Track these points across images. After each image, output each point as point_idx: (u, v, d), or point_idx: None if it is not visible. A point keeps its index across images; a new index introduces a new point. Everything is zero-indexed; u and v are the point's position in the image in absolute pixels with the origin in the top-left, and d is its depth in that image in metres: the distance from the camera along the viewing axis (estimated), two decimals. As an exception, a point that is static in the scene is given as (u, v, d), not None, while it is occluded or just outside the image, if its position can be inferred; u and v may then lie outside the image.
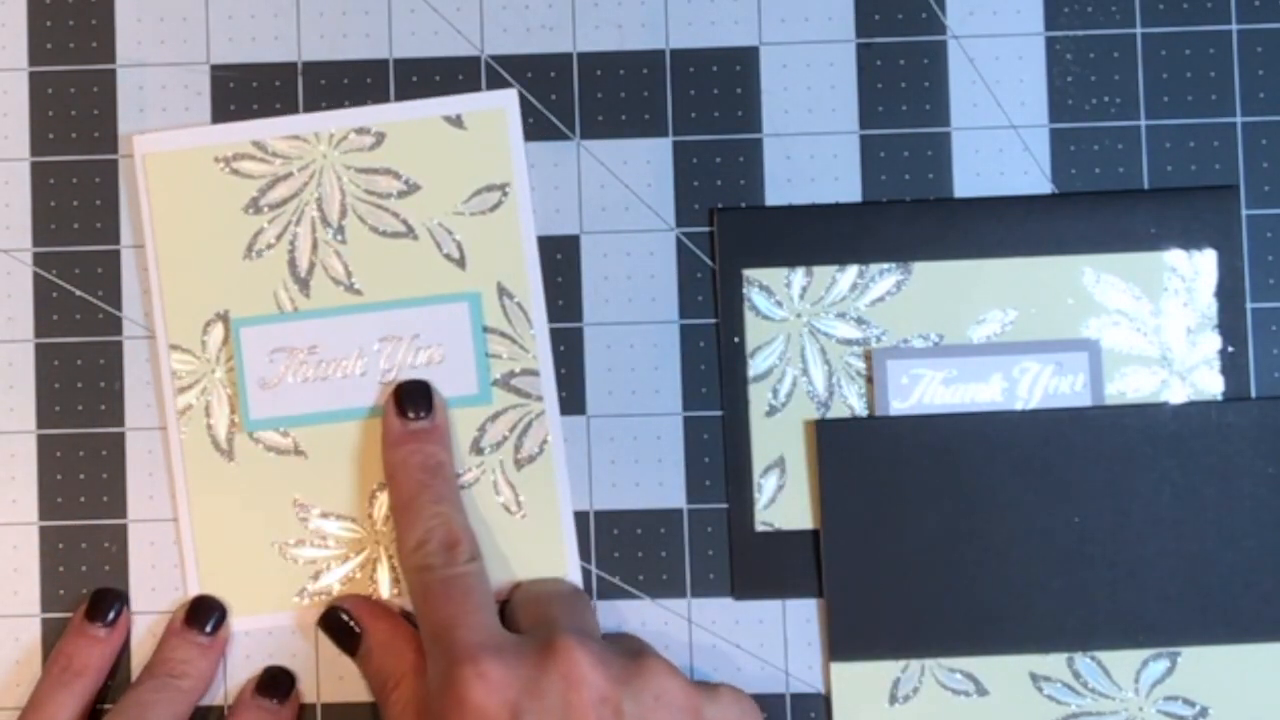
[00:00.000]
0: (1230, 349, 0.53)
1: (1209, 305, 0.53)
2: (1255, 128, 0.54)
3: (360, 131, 0.53)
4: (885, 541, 0.52)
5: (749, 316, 0.54)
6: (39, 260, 0.54)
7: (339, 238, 0.53)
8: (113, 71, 0.54)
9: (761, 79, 0.54)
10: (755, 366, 0.53)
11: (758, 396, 0.53)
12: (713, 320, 0.54)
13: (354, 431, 0.53)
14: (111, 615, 0.52)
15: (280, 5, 0.55)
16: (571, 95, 0.54)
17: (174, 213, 0.53)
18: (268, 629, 0.53)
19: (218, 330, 0.53)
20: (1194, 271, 0.53)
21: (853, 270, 0.53)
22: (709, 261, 0.54)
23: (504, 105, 0.53)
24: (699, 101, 0.54)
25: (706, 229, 0.54)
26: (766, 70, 0.54)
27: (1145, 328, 0.53)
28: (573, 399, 0.54)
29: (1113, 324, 0.53)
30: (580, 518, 0.54)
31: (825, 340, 0.53)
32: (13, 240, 0.54)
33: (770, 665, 0.53)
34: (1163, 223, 0.53)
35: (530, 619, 0.50)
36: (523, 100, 0.54)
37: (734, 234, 0.54)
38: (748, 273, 0.54)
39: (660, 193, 0.54)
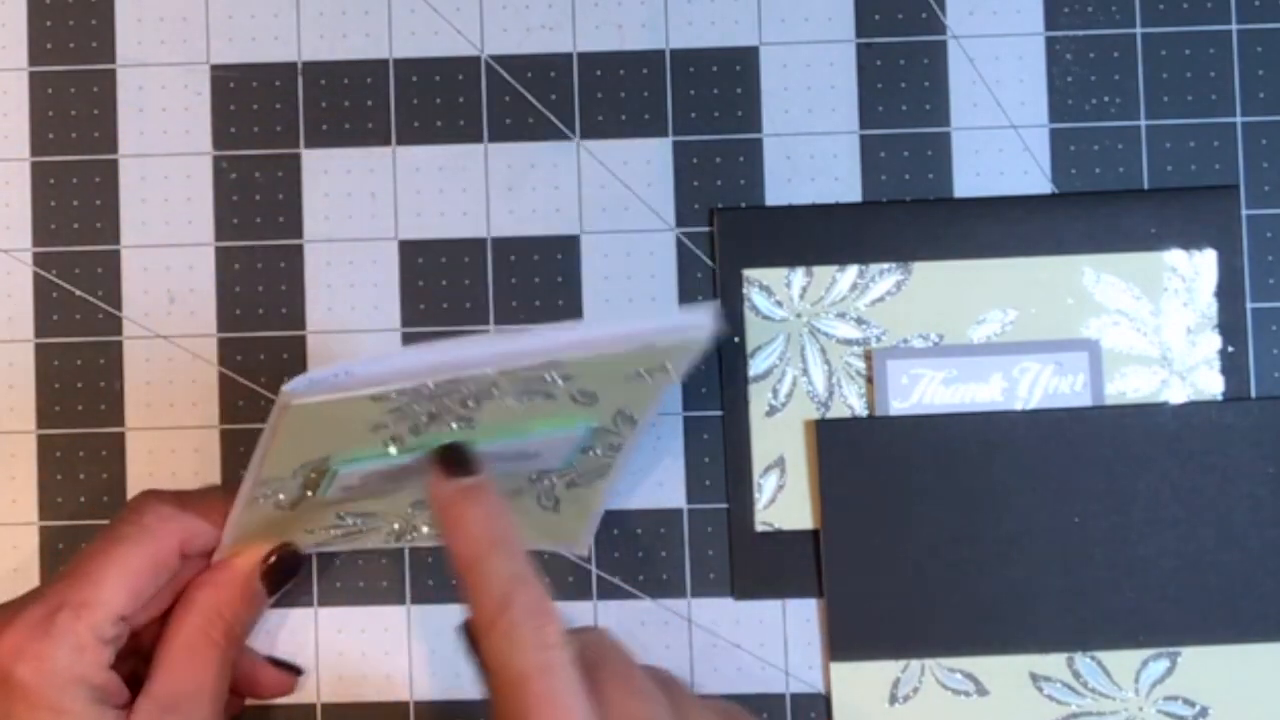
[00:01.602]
0: (1230, 349, 0.53)
1: (1209, 305, 0.53)
2: (1255, 128, 0.54)
3: (538, 371, 0.45)
4: (885, 541, 0.52)
5: (749, 316, 0.54)
6: (39, 260, 0.54)
7: (469, 420, 0.46)
8: (113, 71, 0.54)
9: (761, 79, 0.54)
10: (755, 366, 0.53)
11: (758, 396, 0.53)
12: (713, 320, 0.54)
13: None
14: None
15: (280, 5, 0.55)
16: (571, 95, 0.54)
17: (302, 442, 0.46)
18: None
19: (313, 464, 0.47)
20: (1194, 271, 0.53)
21: (853, 270, 0.53)
22: (709, 261, 0.54)
23: (701, 338, 0.46)
24: (699, 101, 0.54)
25: (706, 229, 0.54)
26: (766, 70, 0.54)
27: (1145, 328, 0.53)
28: (573, 399, 0.54)
29: (1113, 324, 0.53)
30: (580, 518, 0.54)
31: (825, 340, 0.53)
32: (13, 240, 0.54)
33: (770, 665, 0.53)
34: (1163, 223, 0.53)
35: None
36: (523, 100, 0.54)
37: (734, 234, 0.54)
38: (748, 273, 0.54)
39: (660, 193, 0.54)
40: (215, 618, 0.49)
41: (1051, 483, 0.52)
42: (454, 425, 0.46)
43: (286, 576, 0.51)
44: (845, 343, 0.53)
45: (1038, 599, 0.52)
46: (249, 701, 0.53)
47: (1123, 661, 0.52)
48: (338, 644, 0.54)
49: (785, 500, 0.53)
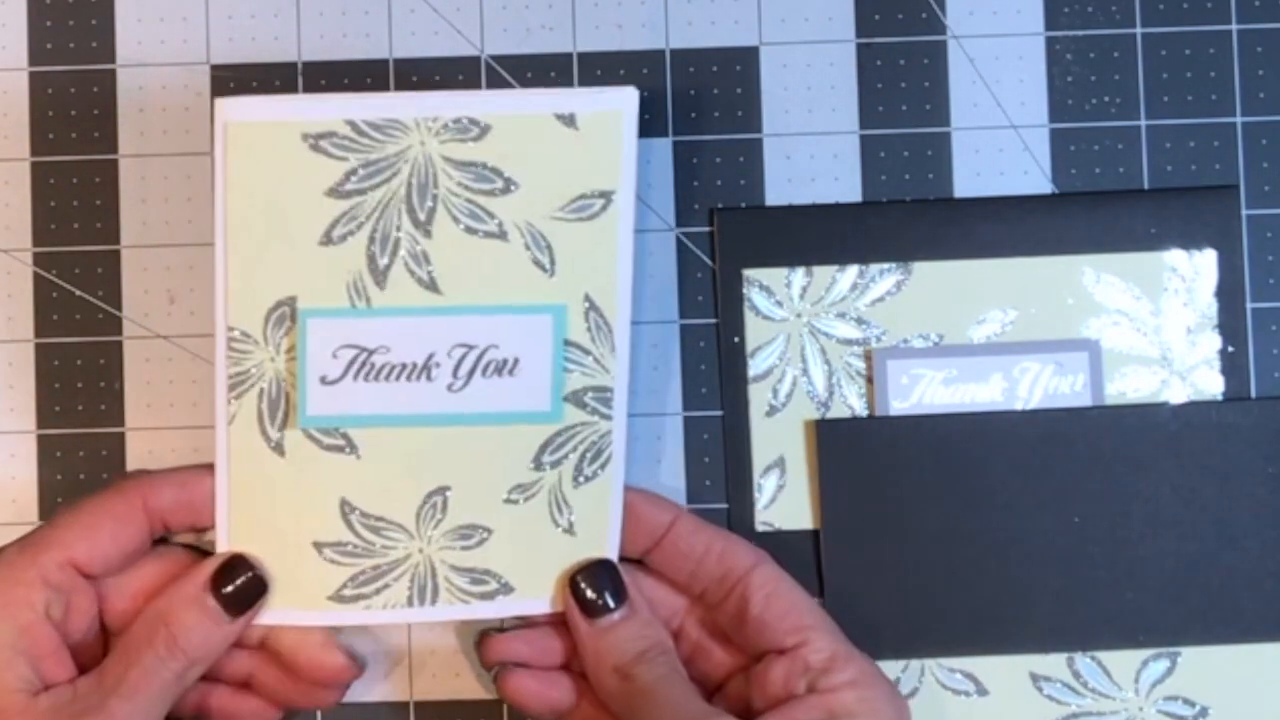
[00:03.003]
0: (1230, 349, 0.53)
1: (1209, 305, 0.53)
2: (1255, 128, 0.54)
3: (464, 121, 0.49)
4: (885, 541, 0.52)
5: (749, 316, 0.54)
6: (39, 260, 0.54)
7: (425, 231, 0.49)
8: (113, 71, 0.54)
9: (761, 79, 0.54)
10: (755, 366, 0.53)
11: (758, 396, 0.53)
12: (713, 320, 0.54)
13: (414, 436, 0.49)
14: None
15: (280, 5, 0.55)
16: (571, 95, 0.54)
17: (251, 188, 0.48)
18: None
19: (283, 317, 0.49)
20: (1194, 271, 0.53)
21: (853, 270, 0.53)
22: (709, 261, 0.54)
23: (622, 107, 0.49)
24: (699, 101, 0.54)
25: (706, 229, 0.54)
26: (766, 70, 0.54)
27: (1145, 328, 0.53)
28: (573, 399, 0.54)
29: (1113, 324, 0.53)
30: (580, 518, 0.54)
31: (825, 340, 0.53)
32: (13, 240, 0.54)
33: (770, 665, 0.53)
34: (1163, 223, 0.53)
35: None
36: (523, 100, 0.54)
37: (734, 234, 0.54)
38: (748, 273, 0.54)
39: (660, 193, 0.54)
40: (158, 624, 0.48)
41: (1051, 483, 0.52)
42: (415, 275, 0.48)
43: (242, 595, 0.49)
44: (845, 343, 0.53)
45: (1038, 599, 0.52)
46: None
47: (1123, 661, 0.52)
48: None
49: (785, 500, 0.53)
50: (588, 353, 0.50)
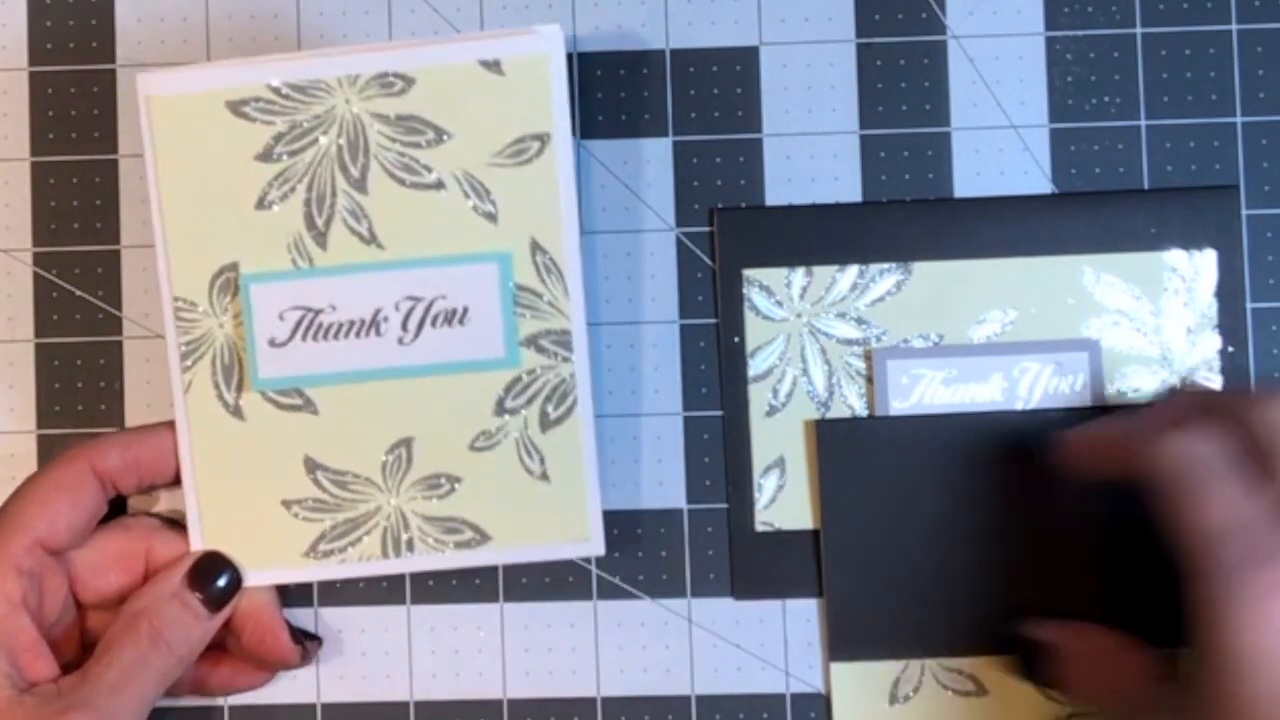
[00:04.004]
0: (1230, 349, 0.53)
1: (1209, 305, 0.53)
2: (1255, 128, 0.54)
3: (387, 76, 0.49)
4: (885, 541, 0.52)
5: (749, 316, 0.54)
6: (39, 260, 0.54)
7: (361, 189, 0.50)
8: (113, 71, 0.54)
9: (761, 79, 0.54)
10: (755, 366, 0.53)
11: (758, 396, 0.53)
12: (713, 320, 0.54)
13: (370, 391, 0.50)
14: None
15: (280, 5, 0.55)
16: (572, 95, 0.54)
17: (180, 158, 0.50)
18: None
19: (226, 284, 0.50)
20: (1194, 271, 0.53)
21: (853, 270, 0.53)
22: (709, 261, 0.54)
23: (548, 50, 0.49)
24: (699, 101, 0.54)
25: (706, 229, 0.54)
26: (766, 70, 0.54)
27: (1145, 328, 0.53)
28: (573, 399, 0.54)
29: (1113, 324, 0.53)
30: (580, 518, 0.54)
31: (825, 340, 0.53)
32: (13, 240, 0.54)
33: (770, 665, 0.53)
34: (1163, 223, 0.53)
35: None
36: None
37: (734, 234, 0.54)
38: (748, 273, 0.54)
39: (660, 193, 0.54)
40: (140, 620, 0.48)
41: (1051, 483, 0.52)
42: (356, 232, 0.49)
43: (220, 589, 0.50)
44: (845, 343, 0.53)
45: (1038, 598, 0.52)
46: (254, 699, 0.53)
47: None
48: (338, 644, 0.54)
49: (785, 500, 0.53)
50: (540, 296, 0.50)
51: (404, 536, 0.51)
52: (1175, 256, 0.53)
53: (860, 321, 0.53)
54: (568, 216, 0.50)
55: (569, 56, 0.54)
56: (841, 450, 0.53)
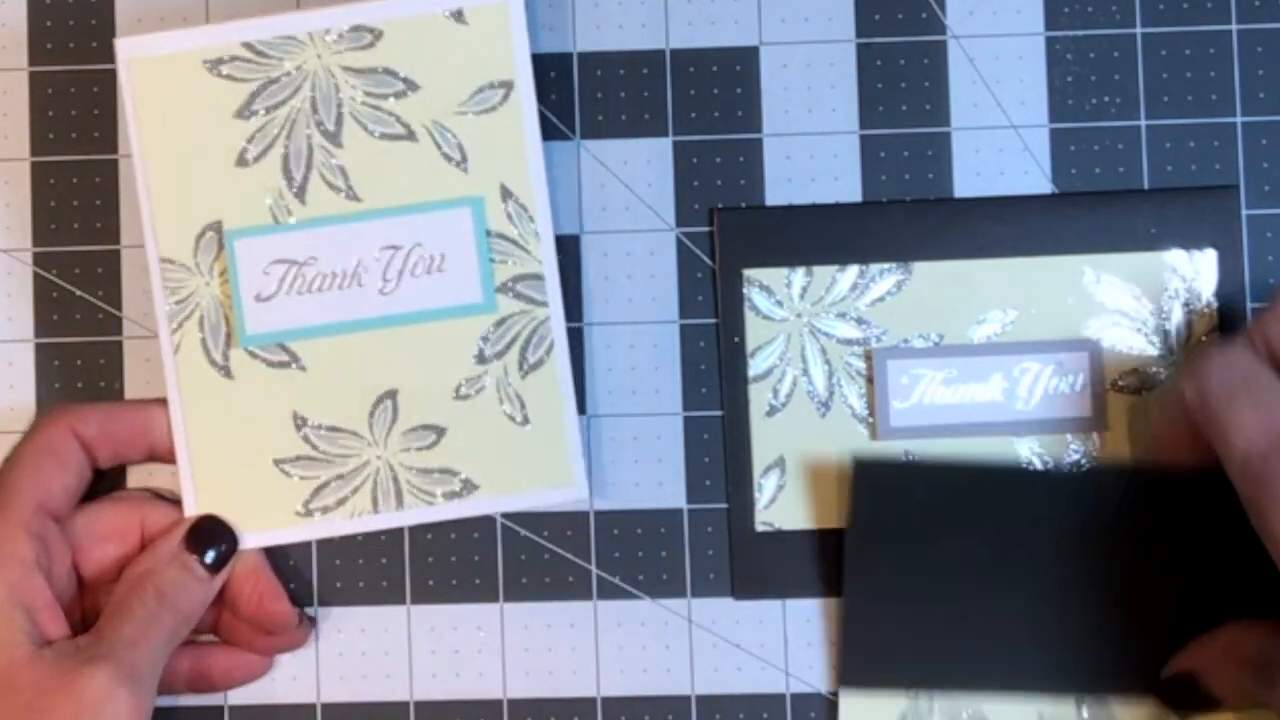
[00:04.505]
0: (1230, 349, 0.53)
1: (1209, 305, 0.53)
2: (1255, 128, 0.54)
3: (356, 29, 0.51)
4: (907, 581, 0.51)
5: (749, 316, 0.54)
6: (39, 260, 0.54)
7: (335, 142, 0.51)
8: (113, 72, 0.54)
9: (761, 79, 0.54)
10: (755, 366, 0.53)
11: (758, 396, 0.53)
12: (713, 320, 0.54)
13: (354, 343, 0.51)
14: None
15: (279, 5, 0.54)
16: (571, 95, 0.54)
17: (161, 120, 0.51)
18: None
19: (211, 242, 0.51)
20: (1194, 271, 0.53)
21: (853, 270, 0.53)
22: (709, 261, 0.54)
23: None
24: (699, 101, 0.54)
25: (706, 229, 0.54)
26: (766, 70, 0.54)
27: (1145, 328, 0.53)
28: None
29: (1113, 324, 0.53)
30: (580, 518, 0.54)
31: (825, 340, 0.53)
32: (13, 240, 0.54)
33: (770, 665, 0.53)
34: (1163, 223, 0.53)
35: None
36: (523, 100, 0.54)
37: (734, 234, 0.54)
38: (748, 273, 0.54)
39: (660, 193, 0.54)
40: (145, 581, 0.49)
41: (1074, 535, 0.51)
42: (333, 185, 0.50)
43: (217, 550, 0.51)
44: (845, 343, 0.53)
45: (1052, 642, 0.51)
46: (254, 699, 0.53)
47: (1132, 711, 0.52)
48: (337, 643, 0.54)
49: (785, 500, 0.53)
50: (512, 242, 0.52)
51: (393, 490, 0.52)
52: (1175, 256, 0.53)
53: (860, 321, 0.53)
54: (534, 161, 0.52)
55: (569, 56, 0.54)
56: (876, 490, 0.51)
